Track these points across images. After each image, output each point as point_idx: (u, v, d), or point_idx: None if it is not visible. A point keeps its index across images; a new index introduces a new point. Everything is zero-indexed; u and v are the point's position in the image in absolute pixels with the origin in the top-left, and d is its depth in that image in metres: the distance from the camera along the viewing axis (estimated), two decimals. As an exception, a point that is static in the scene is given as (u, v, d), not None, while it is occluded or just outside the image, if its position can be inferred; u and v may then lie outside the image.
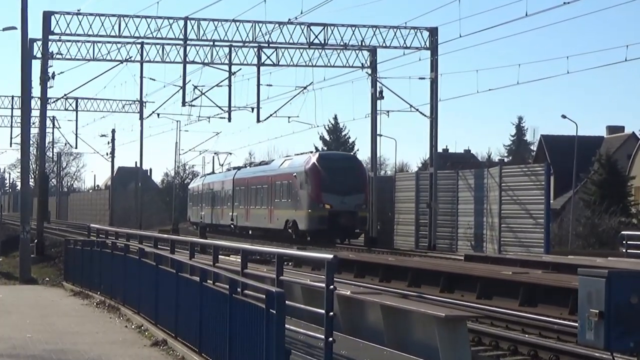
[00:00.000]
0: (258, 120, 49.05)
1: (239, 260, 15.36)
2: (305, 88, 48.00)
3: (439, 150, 51.85)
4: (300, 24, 44.27)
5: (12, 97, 74.56)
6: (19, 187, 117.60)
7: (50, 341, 15.08)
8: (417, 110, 45.74)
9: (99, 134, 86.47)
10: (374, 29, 45.16)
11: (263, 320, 9.80)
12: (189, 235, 46.87)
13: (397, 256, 31.31)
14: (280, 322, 9.52)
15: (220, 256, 17.90)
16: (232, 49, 46.19)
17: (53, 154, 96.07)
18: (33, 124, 51.21)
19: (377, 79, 47.02)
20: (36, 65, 43.84)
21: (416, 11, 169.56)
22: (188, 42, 45.27)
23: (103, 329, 16.67)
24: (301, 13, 42.05)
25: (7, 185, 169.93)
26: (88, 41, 45.28)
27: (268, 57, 46.78)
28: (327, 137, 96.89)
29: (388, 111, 48.54)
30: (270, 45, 45.67)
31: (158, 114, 59.09)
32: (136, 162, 73.52)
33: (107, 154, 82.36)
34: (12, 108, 74.72)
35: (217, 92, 77.04)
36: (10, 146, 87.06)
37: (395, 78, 75.95)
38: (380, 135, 47.74)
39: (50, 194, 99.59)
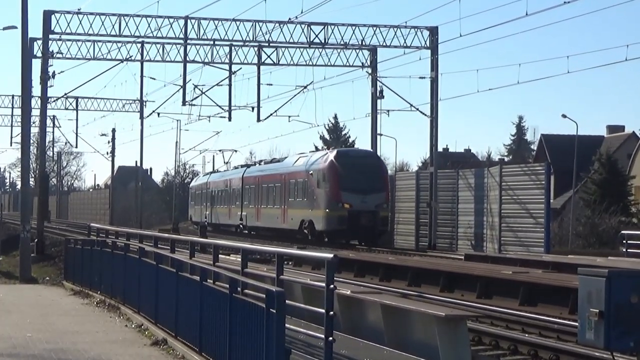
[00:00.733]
0: (258, 120, 49.12)
1: (239, 259, 15.36)
2: (305, 87, 48.06)
3: (439, 149, 51.86)
4: (301, 24, 44.29)
5: (13, 96, 74.70)
6: (19, 187, 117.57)
7: (51, 340, 15.08)
8: (418, 109, 45.76)
9: (99, 133, 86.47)
10: (374, 28, 45.16)
11: (263, 319, 9.80)
12: (189, 235, 46.88)
13: (397, 255, 31.31)
14: (280, 321, 9.52)
15: (220, 255, 17.88)
16: (233, 48, 46.22)
17: (53, 153, 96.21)
18: (33, 123, 51.24)
19: (378, 79, 47.05)
20: (36, 65, 43.92)
21: (416, 10, 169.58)
22: (188, 41, 45.28)
23: (103, 328, 16.68)
24: (301, 12, 42.11)
25: (8, 184, 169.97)
26: (88, 40, 45.32)
27: (268, 57, 46.81)
28: (327, 136, 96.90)
29: (388, 110, 48.65)
30: (271, 44, 45.68)
31: (158, 113, 59.21)
32: (136, 162, 73.57)
33: (107, 153, 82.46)
34: (13, 107, 74.82)
35: (217, 92, 76.99)
36: (11, 145, 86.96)
37: (395, 77, 75.93)
38: (381, 135, 47.84)
39: (51, 193, 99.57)
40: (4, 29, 41.77)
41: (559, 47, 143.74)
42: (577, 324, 11.63)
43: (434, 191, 42.33)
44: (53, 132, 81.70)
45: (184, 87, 47.95)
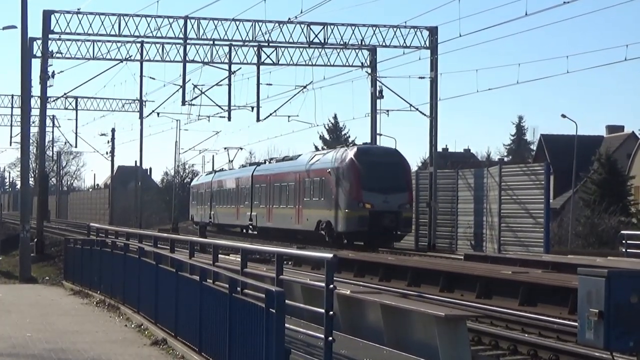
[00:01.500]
0: (258, 120, 49.10)
1: (239, 259, 15.36)
2: (305, 87, 48.02)
3: (439, 149, 51.83)
4: (300, 23, 44.29)
5: (12, 96, 74.73)
6: (18, 186, 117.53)
7: (50, 340, 15.08)
8: (417, 109, 45.74)
9: (99, 133, 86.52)
10: (374, 28, 45.16)
11: (263, 319, 9.80)
12: (189, 235, 46.86)
13: (396, 255, 31.30)
14: (280, 321, 9.52)
15: (220, 255, 17.88)
16: (232, 48, 46.21)
17: (53, 153, 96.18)
18: (33, 122, 51.27)
19: (377, 78, 47.03)
20: (36, 64, 43.91)
21: (416, 10, 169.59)
22: (188, 41, 45.28)
23: (103, 328, 16.67)
24: (301, 12, 42.12)
25: (7, 184, 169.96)
26: (88, 40, 45.31)
27: (268, 56, 46.79)
28: (326, 136, 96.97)
29: (388, 110, 48.58)
30: (270, 44, 45.68)
31: (158, 113, 59.16)
32: (136, 161, 73.57)
33: (107, 153, 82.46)
34: (12, 107, 74.86)
35: (216, 91, 76.74)
36: (10, 145, 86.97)
37: (395, 77, 75.89)
38: (380, 135, 47.67)
39: (50, 193, 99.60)
40: (4, 28, 41.84)
41: (559, 47, 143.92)
42: (576, 324, 11.62)
43: (433, 191, 42.32)
44: (53, 131, 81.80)
45: (183, 87, 47.95)
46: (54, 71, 45.85)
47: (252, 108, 48.73)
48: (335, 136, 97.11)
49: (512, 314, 18.59)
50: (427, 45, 44.59)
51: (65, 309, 20.27)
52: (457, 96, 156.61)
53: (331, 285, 10.61)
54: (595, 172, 60.03)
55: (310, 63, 46.77)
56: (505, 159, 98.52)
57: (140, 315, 17.40)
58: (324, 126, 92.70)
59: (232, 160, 68.09)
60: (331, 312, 10.55)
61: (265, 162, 56.08)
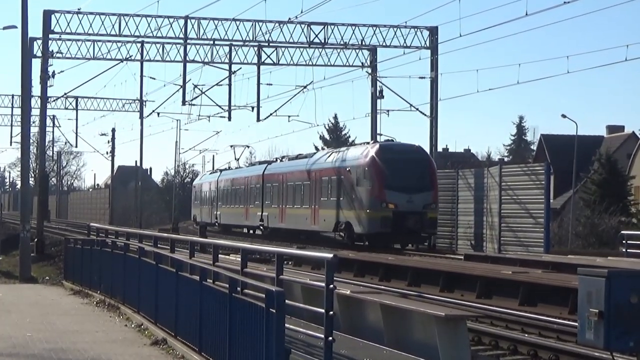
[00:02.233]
0: (258, 119, 49.20)
1: (239, 259, 15.36)
2: (305, 87, 48.06)
3: (439, 149, 51.89)
4: (301, 23, 44.34)
5: (12, 95, 74.85)
6: (19, 186, 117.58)
7: (50, 340, 15.08)
8: (417, 109, 45.80)
9: (99, 133, 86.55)
10: (374, 28, 45.21)
11: (263, 319, 9.80)
12: (189, 235, 46.82)
13: (396, 255, 31.28)
14: (280, 321, 9.52)
15: (220, 255, 17.89)
16: (232, 48, 46.26)
17: (53, 153, 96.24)
18: (33, 122, 51.27)
19: (377, 78, 47.07)
20: (36, 64, 44.00)
21: (416, 10, 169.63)
22: (188, 41, 45.32)
23: (103, 328, 16.67)
24: (301, 12, 42.12)
25: (7, 184, 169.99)
26: (88, 40, 45.39)
27: (268, 56, 46.85)
28: (327, 136, 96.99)
29: (388, 110, 48.66)
30: (271, 44, 45.73)
31: (158, 113, 59.27)
32: (136, 161, 73.61)
33: (107, 153, 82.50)
34: (12, 107, 74.94)
35: (217, 91, 76.93)
36: (10, 145, 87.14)
37: (395, 77, 76.02)
38: (380, 135, 47.70)
39: (50, 192, 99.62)
40: (4, 28, 41.77)
41: (559, 47, 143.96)
42: (577, 324, 11.63)
43: (433, 191, 42.20)
44: (53, 131, 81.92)
45: (183, 86, 47.99)
46: (54, 71, 45.98)
47: (253, 108, 48.82)
48: (335, 136, 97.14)
49: (512, 314, 18.59)
50: (428, 45, 44.62)
51: (65, 308, 20.27)
52: (457, 96, 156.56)
53: (331, 285, 10.61)
54: (596, 172, 60.03)
55: (310, 63, 46.84)
56: (506, 159, 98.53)
57: (140, 315, 17.40)
58: (324, 126, 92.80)
59: (238, 159, 66.43)
60: (331, 312, 10.55)
61: (276, 161, 53.85)
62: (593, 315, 10.97)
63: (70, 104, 72.38)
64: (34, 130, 58.54)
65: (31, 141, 41.18)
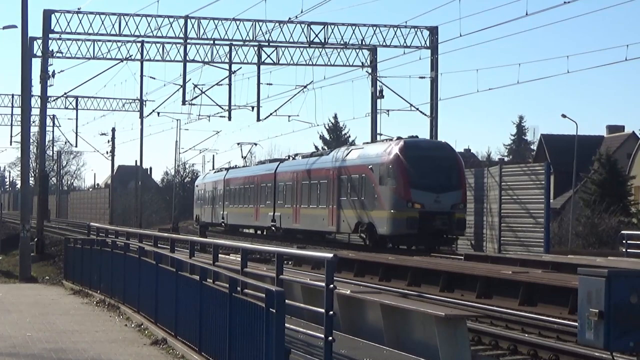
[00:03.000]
0: (258, 119, 49.20)
1: (239, 259, 15.35)
2: (305, 87, 48.05)
3: (439, 149, 51.73)
4: (301, 23, 44.36)
5: (12, 95, 74.87)
6: (19, 186, 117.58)
7: (50, 340, 15.08)
8: (417, 109, 45.79)
9: (99, 133, 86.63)
10: (374, 28, 45.22)
11: (263, 319, 9.79)
12: (189, 235, 46.77)
13: (397, 255, 31.26)
14: (280, 321, 9.52)
15: (220, 255, 17.88)
16: (233, 47, 46.27)
17: (53, 153, 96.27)
18: (33, 122, 51.30)
19: (377, 78, 47.06)
20: (36, 64, 44.02)
21: (416, 10, 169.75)
22: (188, 40, 45.33)
23: (103, 328, 16.67)
24: (301, 12, 42.22)
25: (7, 183, 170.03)
26: (88, 40, 45.40)
27: (268, 56, 46.85)
28: (327, 136, 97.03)
29: (388, 110, 48.68)
30: (271, 44, 45.73)
31: (158, 113, 59.35)
32: (136, 161, 73.63)
33: (107, 153, 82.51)
34: (12, 106, 74.97)
35: (217, 91, 77.02)
36: (11, 145, 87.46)
37: (395, 77, 76.25)
38: (381, 135, 47.68)
39: (50, 192, 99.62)
40: (4, 28, 41.79)
41: (559, 47, 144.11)
42: (577, 324, 11.63)
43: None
44: (53, 131, 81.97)
45: (183, 86, 48.00)
46: (54, 71, 45.98)
47: (253, 108, 48.84)
48: (335, 136, 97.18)
49: (512, 314, 18.59)
50: (428, 45, 44.63)
51: (65, 308, 20.26)
52: (457, 96, 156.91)
53: (331, 285, 10.61)
54: (596, 172, 60.02)
55: (310, 63, 46.85)
56: (506, 158, 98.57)
57: (140, 314, 17.40)
58: (324, 126, 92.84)
59: (245, 157, 64.78)
60: (331, 312, 10.55)
61: (289, 158, 51.43)
62: (593, 315, 10.97)
63: (70, 103, 72.43)
64: (34, 129, 58.53)
65: (31, 141, 41.17)
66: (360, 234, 38.74)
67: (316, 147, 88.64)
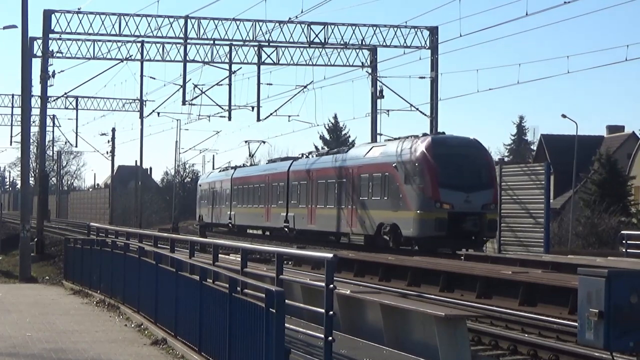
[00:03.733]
0: (258, 119, 49.20)
1: (239, 259, 15.36)
2: (305, 87, 48.07)
3: (439, 149, 51.69)
4: (301, 23, 44.37)
5: (12, 95, 74.87)
6: (19, 186, 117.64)
7: (50, 340, 15.08)
8: (417, 109, 45.79)
9: (99, 133, 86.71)
10: (374, 28, 45.22)
11: (263, 319, 9.80)
12: (189, 235, 46.71)
13: (397, 255, 31.26)
14: (280, 321, 9.52)
15: (220, 255, 17.88)
16: (233, 47, 46.28)
17: (53, 153, 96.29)
18: (33, 122, 51.26)
19: (377, 78, 47.07)
20: (36, 64, 44.01)
21: (416, 10, 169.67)
22: (188, 40, 45.33)
23: (103, 328, 16.67)
24: (301, 12, 42.22)
25: (7, 183, 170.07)
26: (88, 40, 45.41)
27: (268, 56, 46.86)
28: (327, 136, 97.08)
29: (388, 110, 48.68)
30: (271, 44, 45.74)
31: (158, 113, 59.35)
32: (136, 161, 73.64)
33: (107, 153, 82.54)
34: (12, 106, 74.97)
35: (217, 91, 77.05)
36: (11, 145, 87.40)
37: (395, 77, 76.13)
38: (381, 135, 47.67)
39: (50, 192, 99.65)
40: (4, 28, 41.77)
41: (559, 47, 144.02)
42: (576, 324, 11.63)
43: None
44: (53, 131, 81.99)
45: (183, 86, 48.01)
46: (54, 71, 45.97)
47: (253, 108, 48.85)
48: (335, 136, 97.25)
49: (512, 314, 18.59)
50: (428, 45, 44.64)
51: (65, 308, 20.26)
52: (457, 96, 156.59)
53: (331, 285, 10.61)
54: (596, 172, 60.05)
55: (310, 63, 46.86)
56: (506, 158, 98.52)
57: (140, 314, 17.41)
58: (324, 126, 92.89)
59: (253, 155, 63.21)
60: (331, 312, 10.55)
61: (302, 157, 49.58)
62: (593, 315, 10.97)
63: (70, 103, 72.44)
64: (34, 130, 58.51)
65: (31, 141, 41.15)
66: (383, 236, 36.66)
67: (316, 147, 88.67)
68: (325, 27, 44.91)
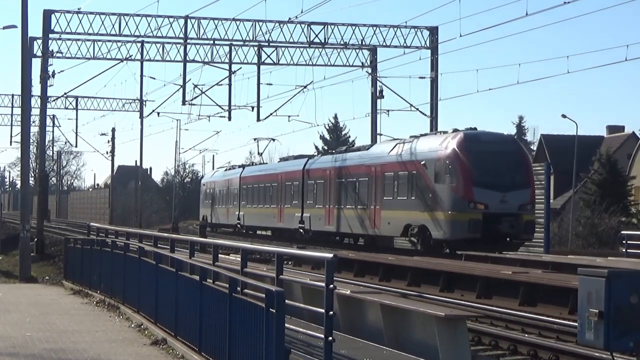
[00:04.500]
0: (258, 119, 49.23)
1: (239, 259, 15.35)
2: (305, 87, 48.07)
3: (439, 149, 51.68)
4: (301, 23, 44.38)
5: (12, 95, 74.93)
6: (19, 186, 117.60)
7: (50, 340, 15.07)
8: (417, 109, 45.80)
9: (99, 133, 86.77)
10: (374, 28, 45.23)
11: (263, 319, 9.79)
12: (189, 235, 46.68)
13: (397, 255, 31.25)
14: (280, 321, 9.52)
15: (220, 255, 17.88)
16: (233, 47, 46.29)
17: (53, 153, 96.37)
18: (33, 122, 51.27)
19: (377, 78, 47.08)
20: (36, 64, 44.02)
21: (416, 10, 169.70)
22: (188, 40, 45.35)
23: (103, 328, 16.67)
24: (301, 12, 42.19)
25: (7, 183, 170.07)
26: (88, 40, 45.46)
27: (268, 56, 46.88)
28: (327, 136, 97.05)
29: (388, 110, 48.70)
30: (271, 44, 45.76)
31: (158, 113, 59.36)
32: (136, 161, 73.68)
33: (107, 153, 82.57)
34: (12, 106, 75.02)
35: (217, 91, 76.95)
36: (10, 145, 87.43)
37: (395, 77, 76.15)
38: (381, 135, 47.69)
39: (50, 192, 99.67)
40: (4, 28, 41.75)
41: (559, 47, 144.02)
42: (576, 324, 11.63)
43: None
44: (53, 131, 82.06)
45: (183, 86, 48.02)
46: (54, 71, 46.00)
47: (253, 108, 48.87)
48: (335, 136, 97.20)
49: (512, 314, 18.59)
50: (428, 45, 44.63)
51: (65, 308, 20.26)
52: (457, 96, 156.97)
53: (331, 285, 10.60)
54: (596, 173, 60.05)
55: (310, 63, 46.89)
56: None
57: (140, 315, 17.40)
58: (324, 126, 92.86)
59: (261, 153, 61.77)
60: (331, 312, 10.54)
61: (318, 155, 47.33)
62: (593, 316, 10.97)
63: (70, 103, 72.50)
64: (34, 130, 58.54)
65: (31, 141, 41.15)
66: (410, 238, 34.92)
67: (316, 147, 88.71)
68: (325, 27, 44.92)
